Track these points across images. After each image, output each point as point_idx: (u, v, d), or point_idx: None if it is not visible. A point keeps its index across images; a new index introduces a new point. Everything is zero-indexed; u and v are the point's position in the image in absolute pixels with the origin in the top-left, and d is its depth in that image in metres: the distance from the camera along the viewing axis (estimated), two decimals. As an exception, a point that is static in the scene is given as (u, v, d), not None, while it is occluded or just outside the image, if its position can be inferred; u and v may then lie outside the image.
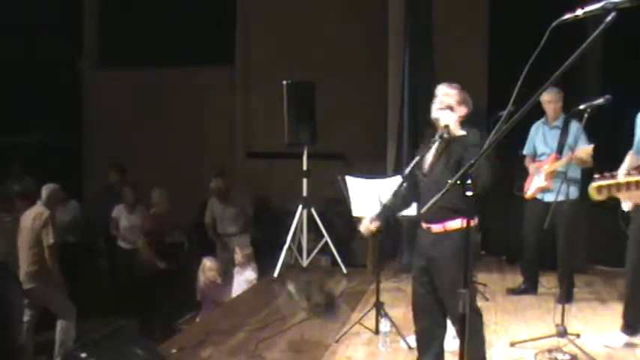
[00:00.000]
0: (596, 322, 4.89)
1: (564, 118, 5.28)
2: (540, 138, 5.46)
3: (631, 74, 6.52)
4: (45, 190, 5.93)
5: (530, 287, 5.67)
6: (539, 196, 5.39)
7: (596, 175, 2.20)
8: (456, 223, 3.15)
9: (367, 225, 3.57)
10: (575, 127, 5.10)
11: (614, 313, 5.17)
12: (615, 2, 1.77)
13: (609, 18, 1.79)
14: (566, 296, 5.09)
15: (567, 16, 1.92)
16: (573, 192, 5.20)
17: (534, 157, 5.53)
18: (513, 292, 5.73)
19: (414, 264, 3.50)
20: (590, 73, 6.45)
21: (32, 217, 5.74)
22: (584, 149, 4.87)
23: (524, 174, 5.58)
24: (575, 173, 5.17)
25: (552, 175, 5.23)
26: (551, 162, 5.26)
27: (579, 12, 1.88)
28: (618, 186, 2.10)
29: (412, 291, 3.47)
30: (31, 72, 8.98)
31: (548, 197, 5.20)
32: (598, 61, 6.59)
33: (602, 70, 6.58)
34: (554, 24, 1.94)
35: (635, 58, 6.37)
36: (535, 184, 5.40)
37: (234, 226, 7.36)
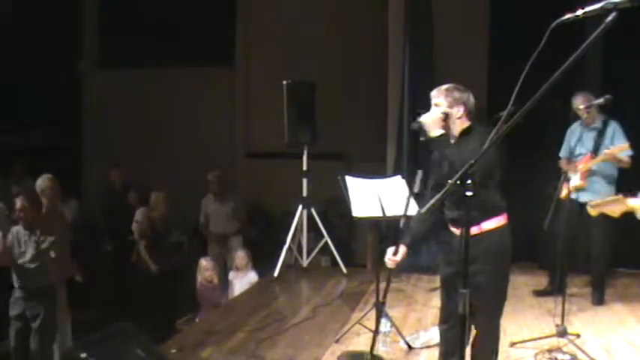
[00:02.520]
0: (596, 322, 4.89)
1: (603, 119, 5.25)
2: (577, 139, 5.37)
3: (631, 74, 6.52)
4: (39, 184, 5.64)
5: (556, 289, 5.53)
6: (573, 196, 5.32)
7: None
8: (492, 223, 3.10)
9: (392, 258, 3.41)
10: (612, 128, 5.11)
11: (614, 313, 5.18)
12: (615, 2, 1.76)
13: (609, 18, 1.78)
14: (598, 299, 5.31)
15: (567, 16, 1.92)
16: (609, 191, 5.16)
17: (569, 159, 5.47)
18: (539, 293, 5.66)
19: (444, 272, 3.34)
20: (590, 73, 6.45)
21: None
22: (618, 146, 4.86)
23: (558, 174, 5.50)
24: (612, 172, 5.15)
25: (587, 174, 5.20)
26: (585, 161, 5.21)
27: (579, 12, 1.88)
28: (606, 203, 2.18)
29: (444, 297, 3.36)
30: (31, 72, 8.98)
31: (583, 197, 5.17)
32: (598, 61, 6.59)
33: (602, 70, 6.57)
34: (554, 24, 1.94)
35: (635, 58, 6.36)
36: (571, 183, 5.34)
37: (228, 226, 7.35)
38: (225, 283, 6.73)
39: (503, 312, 3.27)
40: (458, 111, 3.16)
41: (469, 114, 3.19)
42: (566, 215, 5.20)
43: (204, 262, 6.47)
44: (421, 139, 3.17)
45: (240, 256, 6.58)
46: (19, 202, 5.02)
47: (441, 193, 2.03)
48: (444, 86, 3.25)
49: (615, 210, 2.14)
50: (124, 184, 8.15)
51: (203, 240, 7.71)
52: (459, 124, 3.17)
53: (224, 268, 7.12)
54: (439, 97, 3.21)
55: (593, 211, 2.11)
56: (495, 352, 3.33)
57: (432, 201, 2.04)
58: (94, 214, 8.56)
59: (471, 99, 3.23)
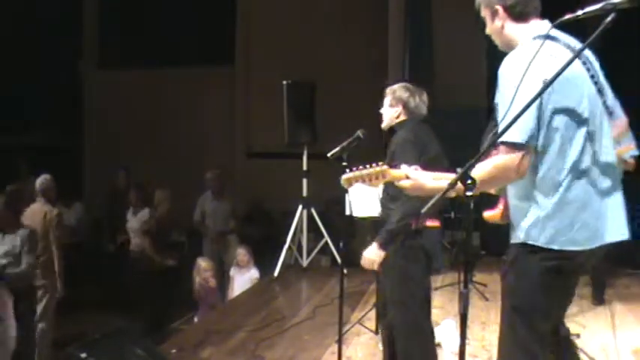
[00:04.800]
0: (596, 322, 4.89)
1: None
2: None
3: (631, 74, 6.51)
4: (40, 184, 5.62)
5: None
6: None
7: (348, 169, 2.32)
8: None
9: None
10: None
11: (613, 313, 5.18)
12: (615, 2, 1.77)
13: (609, 18, 1.79)
14: (598, 299, 5.33)
15: (567, 16, 1.92)
16: None
17: None
18: None
19: None
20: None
21: (41, 215, 5.61)
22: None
23: None
24: None
25: None
26: None
27: (579, 12, 1.88)
28: (363, 177, 2.22)
29: None
30: (31, 72, 8.99)
31: None
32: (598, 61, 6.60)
33: (602, 70, 6.58)
34: (553, 24, 1.95)
35: (635, 57, 6.36)
36: None
37: (225, 224, 7.34)
38: (221, 283, 6.71)
39: (413, 310, 3.49)
40: (396, 110, 3.51)
41: (408, 112, 3.48)
42: None
43: (202, 264, 6.42)
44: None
45: (242, 252, 6.55)
46: None
47: (442, 192, 2.03)
48: (396, 85, 3.57)
49: (377, 183, 2.16)
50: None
51: (199, 238, 7.72)
52: (396, 121, 3.52)
53: (220, 266, 7.12)
54: (387, 95, 3.56)
55: (347, 182, 2.14)
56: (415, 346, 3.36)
57: (433, 201, 2.03)
58: (97, 215, 8.56)
59: (414, 100, 3.48)
